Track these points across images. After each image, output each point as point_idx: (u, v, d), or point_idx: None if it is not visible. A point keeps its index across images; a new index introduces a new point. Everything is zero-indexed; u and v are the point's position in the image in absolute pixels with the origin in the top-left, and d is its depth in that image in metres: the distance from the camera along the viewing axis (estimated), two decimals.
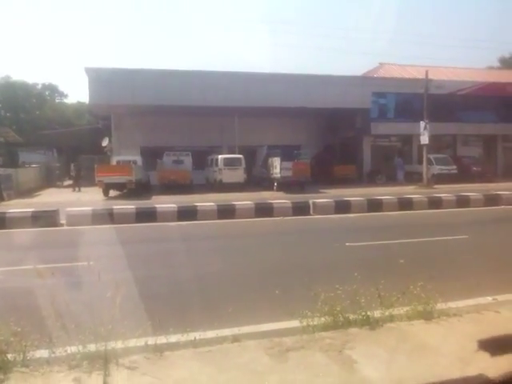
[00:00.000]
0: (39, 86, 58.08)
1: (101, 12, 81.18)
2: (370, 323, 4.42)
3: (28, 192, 25.43)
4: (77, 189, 27.06)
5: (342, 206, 15.27)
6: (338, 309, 4.48)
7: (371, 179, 29.40)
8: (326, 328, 4.37)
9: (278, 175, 24.87)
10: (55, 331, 4.02)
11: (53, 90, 59.95)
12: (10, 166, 29.37)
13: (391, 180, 28.87)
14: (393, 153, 31.88)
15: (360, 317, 4.49)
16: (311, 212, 15.15)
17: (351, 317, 4.49)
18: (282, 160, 25.02)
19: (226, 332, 4.57)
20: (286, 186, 24.11)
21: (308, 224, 13.75)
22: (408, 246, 9.62)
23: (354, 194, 17.89)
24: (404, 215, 14.79)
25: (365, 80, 32.18)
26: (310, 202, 15.52)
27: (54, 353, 3.90)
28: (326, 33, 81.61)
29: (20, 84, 54.20)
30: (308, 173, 24.92)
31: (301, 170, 24.83)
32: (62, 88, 60.88)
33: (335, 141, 33.01)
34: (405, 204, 15.91)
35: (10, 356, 3.82)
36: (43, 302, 4.31)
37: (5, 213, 13.51)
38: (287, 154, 26.36)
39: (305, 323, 4.45)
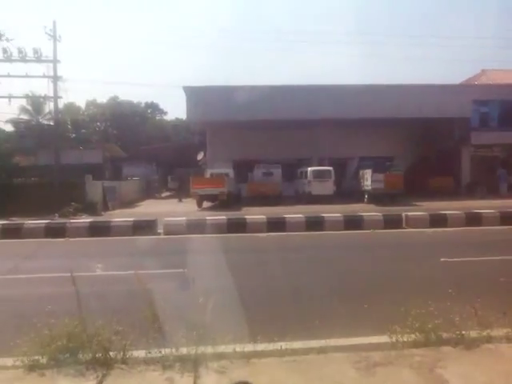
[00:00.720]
0: (142, 105, 62.57)
1: (195, 35, 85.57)
2: (465, 343, 4.17)
3: (129, 202, 27.35)
4: (181, 200, 28.44)
5: (438, 220, 14.50)
6: (430, 326, 4.30)
7: (470, 192, 27.51)
8: (416, 345, 4.21)
9: (369, 187, 24.27)
10: (151, 332, 4.31)
11: (154, 108, 64.27)
12: (114, 178, 31.86)
13: (493, 193, 26.80)
14: (495, 164, 29.63)
15: (454, 335, 4.26)
16: (404, 225, 14.58)
17: (444, 335, 4.28)
18: (373, 172, 24.39)
19: (313, 343, 4.56)
20: (377, 198, 23.43)
21: (400, 238, 13.24)
22: (510, 263, 8.89)
23: (451, 207, 16.89)
24: (507, 230, 13.67)
25: (464, 88, 30.44)
26: (403, 214, 14.95)
27: (149, 353, 4.19)
28: (424, 42, 78.34)
29: (126, 103, 58.85)
30: (401, 185, 24.00)
31: (393, 181, 23.99)
32: (162, 106, 64.90)
33: (431, 152, 31.44)
34: (508, 218, 14.69)
35: (111, 353, 4.15)
36: (142, 304, 4.64)
37: (110, 221, 14.71)
38: (379, 165, 25.60)
39: (394, 339, 4.32)
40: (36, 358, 4.06)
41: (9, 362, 4.15)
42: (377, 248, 11.56)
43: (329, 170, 25.45)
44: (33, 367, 4.00)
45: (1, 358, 4.18)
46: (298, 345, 4.49)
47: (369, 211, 17.07)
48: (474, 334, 4.31)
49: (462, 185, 28.69)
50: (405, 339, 4.28)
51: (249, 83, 29.86)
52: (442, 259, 9.24)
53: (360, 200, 24.48)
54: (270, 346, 4.36)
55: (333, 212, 16.04)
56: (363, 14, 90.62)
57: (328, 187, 24.70)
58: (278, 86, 28.00)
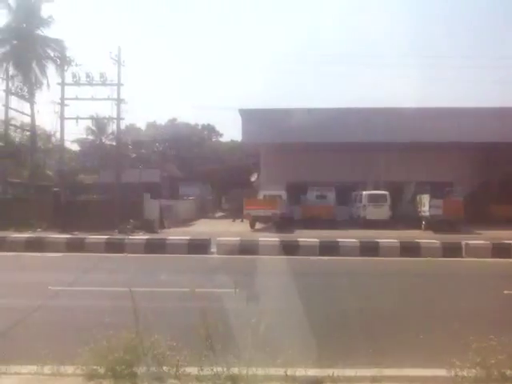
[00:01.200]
0: (199, 127, 64.40)
1: (252, 58, 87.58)
2: None
3: (184, 221, 27.95)
4: (238, 220, 28.57)
5: (501, 250, 13.76)
6: (493, 361, 4.07)
7: None
8: (477, 381, 4.01)
9: (427, 213, 23.48)
10: (204, 350, 4.37)
11: (210, 130, 65.94)
12: (171, 197, 32.79)
13: None
14: None
15: None
16: (463, 254, 13.95)
17: (508, 372, 4.04)
18: (431, 197, 23.63)
19: (366, 372, 4.45)
20: (435, 224, 22.60)
21: (459, 267, 12.67)
22: None
23: None
24: None
25: None
26: (463, 243, 14.32)
27: (202, 370, 4.24)
28: (480, 64, 75.82)
29: (183, 125, 60.83)
30: (461, 212, 23.04)
31: (452, 208, 23.09)
32: (218, 128, 66.48)
33: (493, 177, 30.05)
34: None
35: (165, 368, 4.25)
36: (195, 322, 4.72)
37: (166, 239, 15.14)
38: (437, 191, 24.80)
39: (453, 373, 4.13)
40: (95, 367, 4.23)
41: (70, 369, 4.35)
42: (434, 277, 11.13)
43: (384, 195, 24.91)
44: (91, 376, 4.16)
45: (62, 366, 4.37)
46: (350, 372, 4.39)
47: (426, 238, 16.51)
48: None
49: None
50: (465, 374, 4.08)
51: (304, 106, 29.96)
52: (505, 291, 8.76)
53: (417, 226, 23.69)
54: (322, 372, 4.30)
55: (388, 238, 15.65)
56: (420, 36, 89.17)
57: (383, 212, 24.14)
58: (333, 109, 27.97)
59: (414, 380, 4.20)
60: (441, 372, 4.26)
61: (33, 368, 4.44)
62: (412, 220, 24.88)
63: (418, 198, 25.27)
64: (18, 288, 9.23)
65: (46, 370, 4.37)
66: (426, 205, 23.77)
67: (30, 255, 13.72)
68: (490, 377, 4.04)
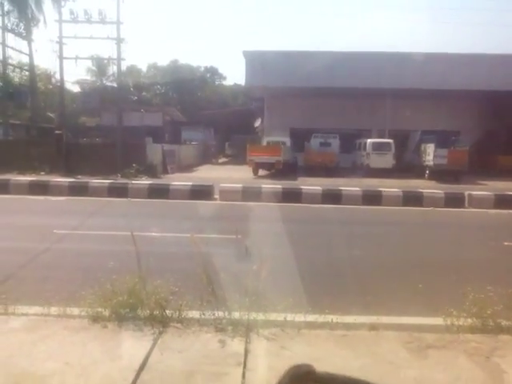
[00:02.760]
0: (202, 69, 62.97)
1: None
2: None
3: (187, 167, 27.91)
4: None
5: (504, 201, 13.75)
6: (489, 312, 4.14)
7: None
8: (472, 330, 4.09)
9: (431, 163, 23.32)
10: (205, 295, 4.46)
11: (213, 72, 64.49)
12: (173, 142, 32.56)
13: None
14: None
15: None
16: (466, 205, 13.99)
17: (503, 323, 4.12)
18: (436, 146, 23.37)
19: (364, 319, 4.54)
20: (439, 174, 22.52)
21: (461, 217, 12.73)
22: None
23: None
24: None
25: None
26: (466, 193, 14.32)
27: (203, 315, 4.34)
28: (494, 7, 72.67)
29: (185, 67, 59.46)
30: (465, 162, 22.86)
31: (457, 158, 22.89)
32: (221, 71, 65.05)
33: (500, 127, 29.58)
34: None
35: (168, 312, 4.35)
36: (197, 267, 4.78)
37: (169, 184, 15.18)
38: (443, 140, 24.47)
39: (449, 322, 4.21)
40: (99, 310, 4.32)
41: (75, 311, 4.45)
42: (436, 227, 11.20)
43: (389, 143, 24.66)
44: (96, 318, 4.26)
45: (68, 308, 4.47)
46: (349, 319, 4.49)
47: (429, 188, 16.49)
48: None
49: None
50: (460, 323, 4.16)
51: (310, 49, 28.98)
52: (505, 243, 8.82)
53: (420, 176, 23.62)
54: (321, 318, 4.38)
55: (391, 186, 15.65)
56: None
57: (387, 160, 24.00)
58: (340, 53, 27.08)
59: (411, 328, 4.28)
60: (438, 321, 4.35)
61: (39, 309, 4.54)
62: (416, 169, 24.79)
63: (422, 147, 25.01)
64: (23, 231, 9.34)
65: (53, 311, 4.47)
66: (430, 154, 23.56)
67: (34, 198, 13.80)
68: (485, 327, 4.12)
